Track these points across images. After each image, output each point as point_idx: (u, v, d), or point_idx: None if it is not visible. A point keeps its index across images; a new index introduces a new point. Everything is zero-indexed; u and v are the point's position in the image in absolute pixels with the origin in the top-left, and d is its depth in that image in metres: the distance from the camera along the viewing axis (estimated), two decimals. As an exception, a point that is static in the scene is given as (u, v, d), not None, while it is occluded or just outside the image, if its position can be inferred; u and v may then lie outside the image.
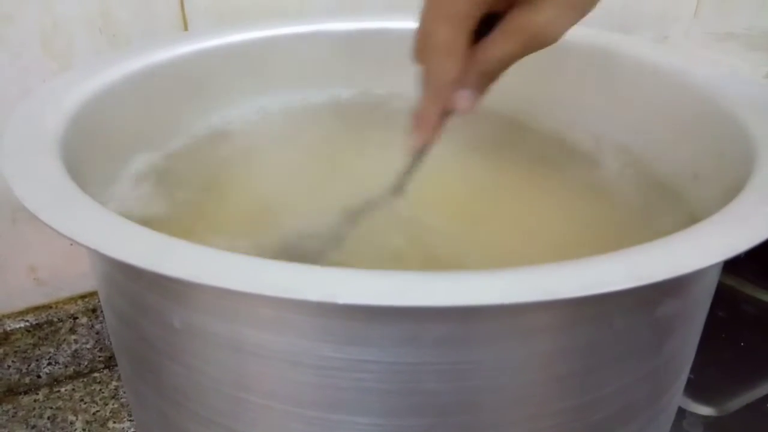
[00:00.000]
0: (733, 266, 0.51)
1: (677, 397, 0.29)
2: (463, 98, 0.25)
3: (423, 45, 0.25)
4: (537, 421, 0.23)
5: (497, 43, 0.24)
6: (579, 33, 0.38)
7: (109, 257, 0.19)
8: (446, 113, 0.26)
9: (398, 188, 0.29)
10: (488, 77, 0.25)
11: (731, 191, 0.24)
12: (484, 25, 0.24)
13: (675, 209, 0.32)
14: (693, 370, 0.29)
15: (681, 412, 0.41)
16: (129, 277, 0.23)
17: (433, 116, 0.26)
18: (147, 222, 0.21)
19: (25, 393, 0.47)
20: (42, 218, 0.21)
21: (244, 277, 0.18)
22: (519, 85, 0.41)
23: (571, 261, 0.19)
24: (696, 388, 0.42)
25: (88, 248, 0.20)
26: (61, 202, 0.22)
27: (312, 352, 0.21)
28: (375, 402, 0.21)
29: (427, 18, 0.24)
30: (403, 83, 0.30)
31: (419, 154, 0.28)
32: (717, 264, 0.20)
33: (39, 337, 0.46)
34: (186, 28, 0.44)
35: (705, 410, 0.41)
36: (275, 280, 0.18)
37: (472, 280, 0.18)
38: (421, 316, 0.20)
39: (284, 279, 0.18)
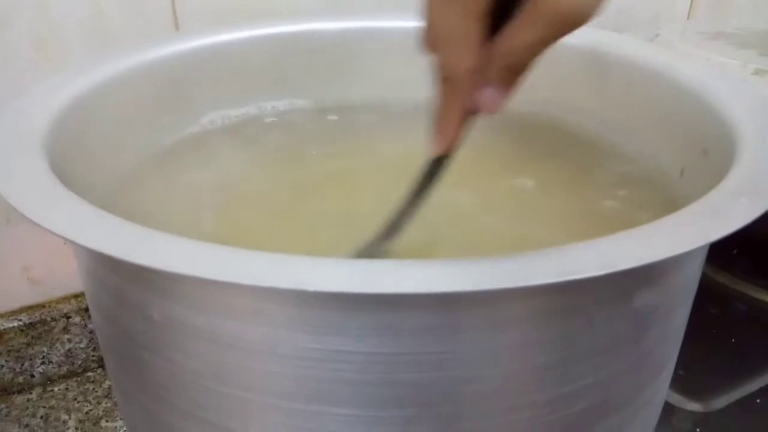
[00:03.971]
0: (724, 263, 0.51)
1: (662, 392, 0.29)
2: (486, 96, 0.22)
3: (432, 35, 0.22)
4: (517, 412, 0.23)
5: (521, 29, 0.21)
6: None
7: (87, 248, 0.19)
8: (468, 114, 0.23)
9: (400, 219, 0.26)
10: (513, 71, 0.22)
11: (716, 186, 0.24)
12: (498, 19, 0.22)
13: (662, 204, 0.32)
14: (683, 366, 0.29)
15: (670, 408, 0.41)
16: (109, 270, 0.23)
17: (454, 116, 0.23)
18: (131, 217, 0.21)
19: (19, 392, 0.47)
20: (22, 211, 0.21)
21: (215, 266, 0.18)
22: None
23: (543, 249, 0.19)
24: (686, 385, 0.41)
25: (65, 239, 0.20)
26: (42, 195, 0.22)
27: (289, 343, 0.21)
28: (354, 393, 0.21)
29: (435, 4, 0.22)
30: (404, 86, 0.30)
31: (437, 164, 0.25)
32: (694, 254, 0.21)
33: (32, 337, 0.46)
34: (177, 30, 0.44)
35: (695, 406, 0.41)
36: (247, 268, 0.18)
37: (442, 267, 0.18)
38: (397, 306, 0.20)
39: (256, 268, 0.18)
